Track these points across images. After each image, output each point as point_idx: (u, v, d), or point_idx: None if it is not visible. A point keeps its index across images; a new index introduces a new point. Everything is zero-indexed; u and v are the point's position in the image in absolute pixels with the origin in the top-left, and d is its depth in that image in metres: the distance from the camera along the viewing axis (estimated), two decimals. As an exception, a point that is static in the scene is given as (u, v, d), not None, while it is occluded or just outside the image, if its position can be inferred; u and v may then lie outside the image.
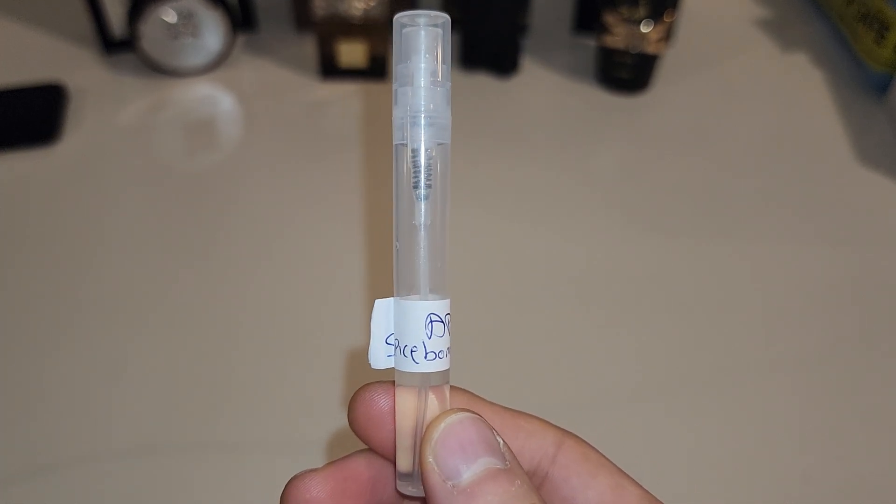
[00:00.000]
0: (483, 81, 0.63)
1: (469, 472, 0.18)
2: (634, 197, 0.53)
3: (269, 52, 0.65)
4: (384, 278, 0.47)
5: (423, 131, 0.20)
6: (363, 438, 0.22)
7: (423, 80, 0.20)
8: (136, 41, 0.59)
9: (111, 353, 0.43)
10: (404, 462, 0.21)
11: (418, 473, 0.21)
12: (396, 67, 0.20)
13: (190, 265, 0.48)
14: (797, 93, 0.63)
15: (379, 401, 0.22)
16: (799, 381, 0.42)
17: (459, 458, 0.19)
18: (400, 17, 0.20)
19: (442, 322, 0.20)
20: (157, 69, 0.61)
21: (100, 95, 0.60)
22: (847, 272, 0.48)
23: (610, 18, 0.58)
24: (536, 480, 0.22)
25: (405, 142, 0.20)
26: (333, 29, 0.59)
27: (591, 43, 0.64)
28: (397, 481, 0.22)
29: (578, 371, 0.42)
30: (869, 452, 0.39)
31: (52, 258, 0.48)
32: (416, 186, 0.20)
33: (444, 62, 0.20)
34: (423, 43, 0.20)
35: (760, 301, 0.46)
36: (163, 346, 0.43)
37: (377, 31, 0.60)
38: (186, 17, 0.59)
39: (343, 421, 0.40)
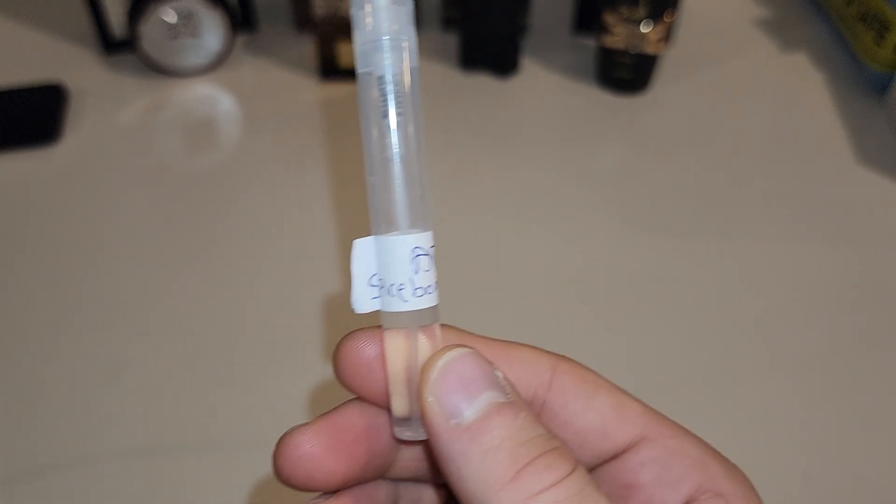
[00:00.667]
0: (483, 82, 0.63)
1: (472, 409, 0.18)
2: (634, 197, 0.53)
3: (269, 53, 0.65)
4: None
5: (387, 55, 0.19)
6: (352, 389, 0.21)
7: (382, 1, 0.18)
8: (136, 41, 0.59)
9: (111, 353, 0.43)
10: (400, 406, 0.20)
11: (417, 416, 0.20)
12: None
13: (190, 265, 0.48)
14: (797, 93, 0.63)
15: (365, 348, 0.21)
16: (799, 381, 0.42)
17: (461, 395, 0.18)
18: None
19: (427, 255, 0.19)
20: (157, 69, 0.61)
21: (100, 95, 0.60)
22: (846, 272, 0.48)
23: (610, 19, 0.58)
24: (534, 409, 0.21)
25: (369, 69, 0.19)
26: (333, 29, 0.59)
27: (590, 43, 0.64)
28: (394, 427, 0.21)
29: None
30: (869, 452, 0.39)
31: (52, 258, 0.48)
32: (385, 115, 0.19)
33: None
34: None
35: (760, 301, 0.46)
36: (163, 345, 0.43)
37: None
38: (186, 17, 0.59)
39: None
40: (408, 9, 0.19)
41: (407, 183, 0.19)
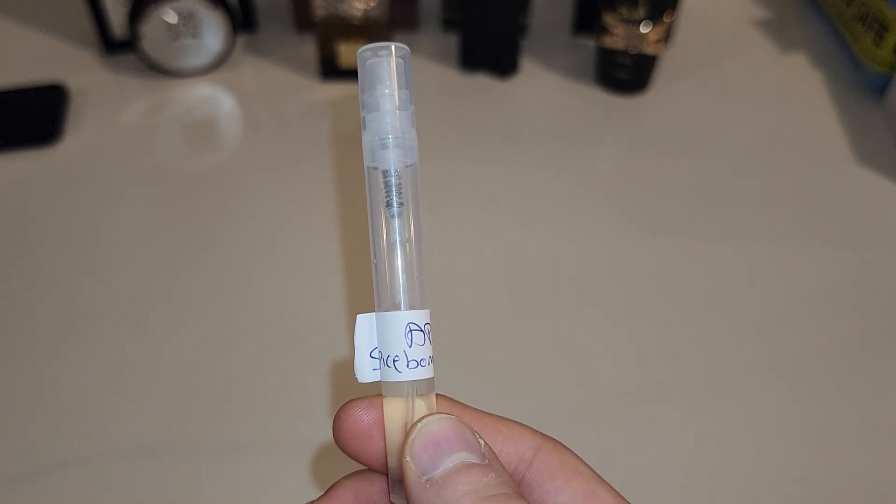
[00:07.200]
0: (483, 82, 0.63)
1: (443, 466, 0.19)
2: (633, 197, 0.53)
3: (270, 53, 0.65)
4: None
5: (391, 153, 0.21)
6: (350, 454, 0.22)
7: (388, 106, 0.21)
8: (136, 42, 0.59)
9: (111, 353, 0.43)
10: (396, 469, 0.21)
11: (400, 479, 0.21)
12: (363, 96, 0.22)
13: (190, 265, 0.48)
14: (796, 93, 0.63)
15: (362, 416, 0.22)
16: (798, 381, 0.42)
17: (434, 453, 0.19)
18: (363, 52, 0.22)
19: (421, 331, 0.21)
20: (158, 70, 0.61)
21: (100, 96, 0.60)
22: (845, 272, 0.48)
23: (609, 19, 0.58)
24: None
25: (375, 164, 0.21)
26: (334, 29, 0.60)
27: (590, 44, 0.65)
28: (390, 491, 0.22)
29: (577, 371, 0.42)
30: (869, 452, 0.39)
31: (52, 258, 0.48)
32: (388, 205, 0.21)
33: (406, 88, 0.22)
34: (386, 72, 0.21)
35: (759, 301, 0.47)
36: (163, 346, 0.43)
37: (377, 32, 0.60)
38: (187, 17, 0.59)
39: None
40: (409, 112, 0.22)
41: (406, 266, 0.21)
